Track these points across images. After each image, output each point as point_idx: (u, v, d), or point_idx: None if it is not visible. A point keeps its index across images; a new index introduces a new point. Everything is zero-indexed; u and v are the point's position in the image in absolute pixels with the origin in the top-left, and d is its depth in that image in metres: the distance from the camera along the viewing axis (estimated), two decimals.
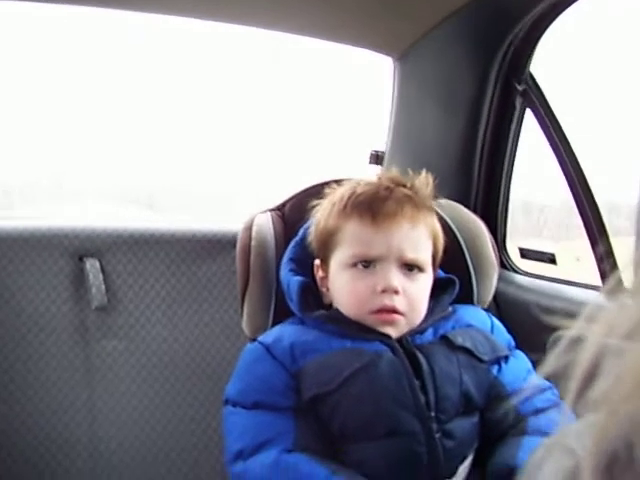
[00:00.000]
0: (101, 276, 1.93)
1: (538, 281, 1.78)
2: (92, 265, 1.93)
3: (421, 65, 2.00)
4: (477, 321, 1.33)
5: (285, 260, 1.37)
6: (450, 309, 1.32)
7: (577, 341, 0.40)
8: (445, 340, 1.23)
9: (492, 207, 1.88)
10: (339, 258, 1.25)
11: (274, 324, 1.37)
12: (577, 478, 0.36)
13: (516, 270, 1.88)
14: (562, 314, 0.42)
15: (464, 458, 1.17)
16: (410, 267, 1.23)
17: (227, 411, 1.22)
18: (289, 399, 1.16)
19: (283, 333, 1.25)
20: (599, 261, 1.53)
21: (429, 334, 1.24)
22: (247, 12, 1.92)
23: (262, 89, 2.88)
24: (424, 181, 1.33)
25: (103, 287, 1.92)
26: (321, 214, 1.32)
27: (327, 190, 1.36)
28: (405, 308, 1.21)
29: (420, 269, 1.25)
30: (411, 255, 1.23)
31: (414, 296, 1.23)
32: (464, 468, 1.17)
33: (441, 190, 1.76)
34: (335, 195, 1.31)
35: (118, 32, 2.41)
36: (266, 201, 1.55)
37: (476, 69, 1.80)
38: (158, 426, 1.98)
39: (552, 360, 0.40)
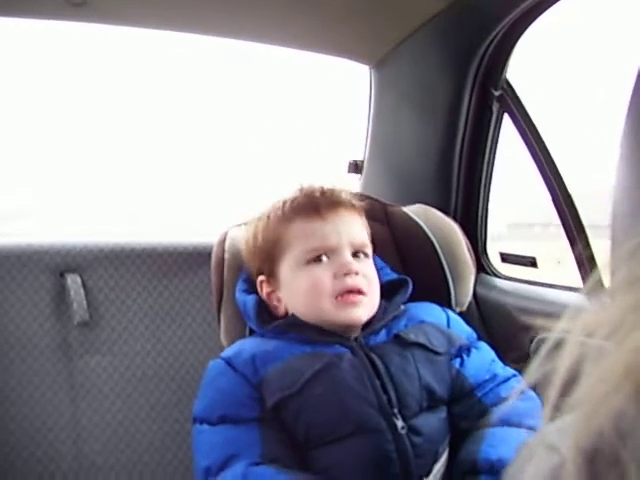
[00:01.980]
0: (82, 291, 1.92)
1: (519, 285, 1.79)
2: (73, 281, 1.92)
3: (398, 72, 2.01)
4: (431, 317, 1.35)
5: (240, 280, 1.40)
6: (402, 308, 1.35)
7: (558, 343, 0.40)
8: (398, 338, 1.25)
9: (472, 212, 1.89)
10: (290, 261, 1.29)
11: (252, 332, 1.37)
12: (561, 476, 0.36)
13: (497, 274, 1.88)
14: (544, 317, 0.43)
15: (437, 455, 1.17)
16: (357, 253, 1.30)
17: (195, 430, 1.21)
18: (253, 410, 1.17)
19: (244, 346, 1.27)
20: (579, 263, 1.54)
21: (383, 335, 1.27)
22: (220, 24, 1.92)
23: (239, 100, 2.88)
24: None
25: (85, 302, 1.91)
26: (253, 231, 1.36)
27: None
28: (366, 287, 1.26)
29: (365, 254, 1.31)
30: (359, 240, 1.30)
31: (370, 276, 1.29)
32: (440, 466, 1.17)
33: (421, 196, 1.78)
34: (264, 212, 1.36)
35: (97, 47, 2.41)
36: (241, 213, 1.56)
37: (453, 75, 1.81)
38: (144, 441, 1.96)
39: (536, 364, 0.40)
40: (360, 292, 1.25)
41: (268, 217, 1.33)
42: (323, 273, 1.25)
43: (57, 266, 1.93)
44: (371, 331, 1.26)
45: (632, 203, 0.45)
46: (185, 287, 2.03)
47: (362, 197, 1.48)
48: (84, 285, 1.93)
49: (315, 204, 1.29)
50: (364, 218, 1.37)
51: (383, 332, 1.27)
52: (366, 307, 1.26)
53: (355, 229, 1.31)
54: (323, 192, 1.32)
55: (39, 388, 1.90)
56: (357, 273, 1.25)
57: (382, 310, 1.30)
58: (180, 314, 2.03)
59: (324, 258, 1.26)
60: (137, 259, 2.00)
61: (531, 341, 1.42)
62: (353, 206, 1.33)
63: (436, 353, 1.25)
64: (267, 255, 1.32)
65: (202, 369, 1.83)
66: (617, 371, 0.35)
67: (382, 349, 1.22)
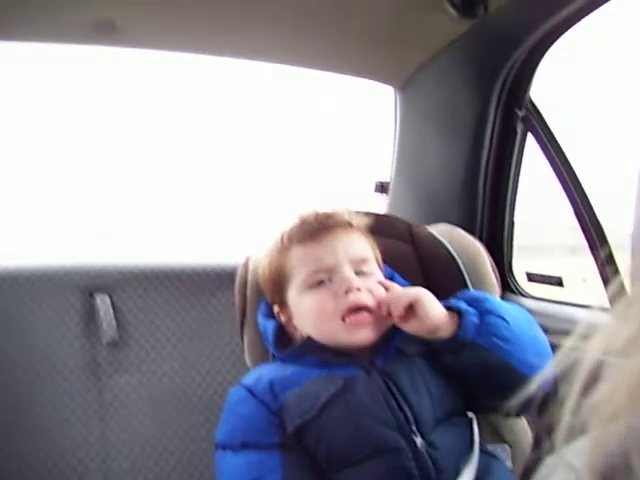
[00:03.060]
0: (112, 312, 1.94)
1: (546, 304, 1.78)
2: (103, 301, 1.94)
3: (422, 94, 2.02)
4: None
5: (262, 303, 1.41)
6: None
7: (575, 359, 0.40)
8: (400, 352, 1.24)
9: (497, 232, 1.89)
10: (295, 289, 1.29)
11: (275, 356, 1.38)
12: None
13: (523, 294, 1.88)
14: (570, 336, 0.43)
15: (458, 469, 1.17)
16: (361, 271, 1.27)
17: (218, 455, 1.22)
18: (274, 436, 1.17)
19: (262, 373, 1.27)
20: (605, 281, 1.53)
21: (391, 351, 1.25)
22: (249, 47, 1.95)
23: (265, 120, 2.91)
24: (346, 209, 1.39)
25: (114, 322, 1.94)
26: (262, 262, 1.37)
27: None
28: (371, 302, 1.23)
29: (370, 272, 1.29)
30: (359, 256, 1.28)
31: (374, 291, 1.25)
32: None
33: (446, 216, 1.78)
34: (274, 238, 1.36)
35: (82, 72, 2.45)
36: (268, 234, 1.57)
37: (477, 96, 1.82)
38: (172, 459, 1.98)
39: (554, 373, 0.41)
40: (365, 308, 1.22)
41: (271, 251, 1.34)
42: (326, 295, 1.24)
43: (87, 286, 1.96)
44: (382, 351, 1.24)
45: None
46: (212, 307, 2.05)
47: (385, 217, 1.48)
48: (113, 305, 1.96)
49: (309, 229, 1.29)
50: (368, 236, 1.36)
51: (392, 348, 1.25)
52: (374, 326, 1.23)
53: (354, 247, 1.29)
54: (317, 217, 1.32)
55: (69, 407, 1.92)
56: (359, 289, 1.23)
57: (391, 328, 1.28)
58: (207, 334, 2.04)
59: (326, 280, 1.25)
60: (165, 280, 2.03)
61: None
62: (350, 225, 1.32)
63: (436, 355, 1.23)
64: (275, 285, 1.33)
65: (229, 388, 1.84)
66: (629, 385, 0.36)
67: (391, 367, 1.21)
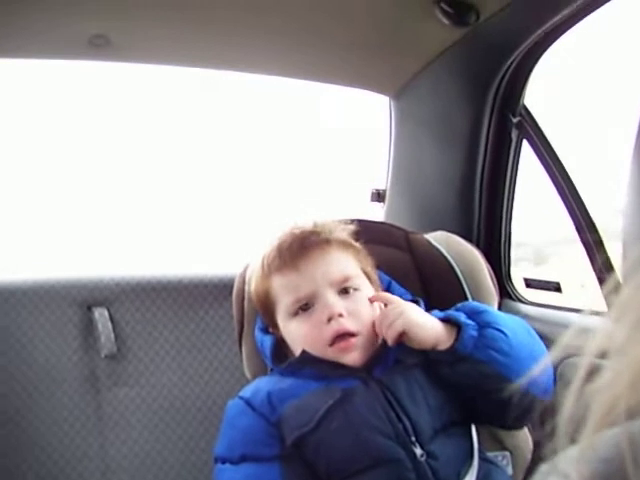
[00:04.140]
0: (110, 325, 1.94)
1: (544, 310, 1.78)
2: (101, 314, 1.94)
3: (417, 102, 2.03)
4: None
5: (258, 317, 1.40)
6: None
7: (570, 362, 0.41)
8: (399, 363, 1.23)
9: (495, 239, 1.90)
10: (281, 314, 1.28)
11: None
12: None
13: (521, 300, 1.88)
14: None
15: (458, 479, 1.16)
16: (345, 289, 1.25)
17: (217, 469, 1.21)
18: (274, 448, 1.16)
19: (260, 385, 1.27)
20: (603, 286, 1.53)
21: (389, 361, 1.24)
22: (243, 59, 1.96)
23: (262, 131, 2.92)
24: (329, 220, 1.36)
25: (112, 335, 1.94)
26: (252, 279, 1.36)
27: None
28: (356, 327, 1.22)
29: (355, 288, 1.26)
30: (339, 277, 1.25)
31: (360, 313, 1.24)
32: None
33: (443, 224, 1.79)
34: (258, 259, 1.34)
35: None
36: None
37: (471, 103, 1.83)
38: (172, 472, 1.97)
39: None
40: (348, 334, 1.21)
41: (257, 271, 1.33)
42: (310, 323, 1.23)
43: (84, 300, 1.96)
44: (380, 362, 1.23)
45: None
46: (211, 319, 2.05)
47: (381, 225, 1.46)
48: (111, 318, 1.96)
49: (285, 257, 1.26)
50: (351, 248, 1.32)
51: (390, 358, 1.24)
52: (360, 348, 1.22)
53: (334, 267, 1.26)
54: (293, 239, 1.28)
55: (67, 420, 1.92)
56: (341, 315, 1.21)
57: None
58: (206, 345, 2.04)
59: (307, 308, 1.24)
60: (163, 292, 2.03)
61: (557, 366, 1.41)
62: (329, 243, 1.28)
63: (434, 366, 1.22)
64: (263, 310, 1.33)
65: (228, 399, 1.84)
66: (631, 370, 0.36)
67: (389, 378, 1.20)
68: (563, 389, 0.41)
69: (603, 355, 0.39)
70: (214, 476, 1.22)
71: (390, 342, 1.20)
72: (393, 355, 1.24)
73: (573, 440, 0.39)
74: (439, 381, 1.21)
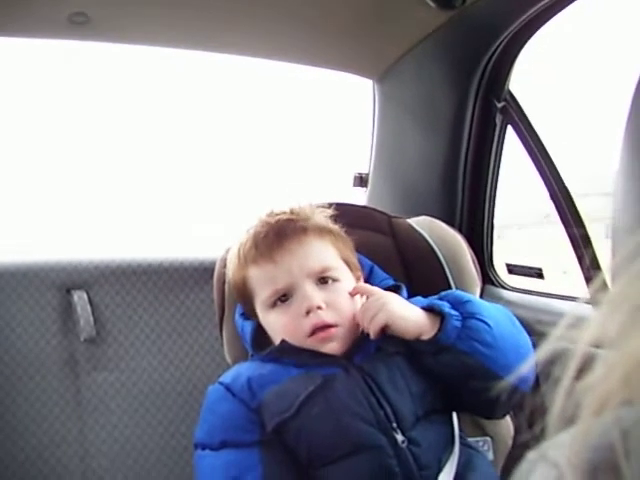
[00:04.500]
0: (89, 308, 1.92)
1: (526, 296, 1.78)
2: (80, 297, 1.92)
3: (401, 86, 2.02)
4: None
5: (238, 303, 1.38)
6: None
7: (564, 353, 0.40)
8: (381, 350, 1.22)
9: (477, 224, 1.89)
10: (259, 306, 1.26)
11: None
12: None
13: (504, 286, 1.88)
14: (551, 327, 0.43)
15: (440, 464, 1.16)
16: (324, 279, 1.24)
17: (197, 455, 1.21)
18: (254, 434, 1.16)
19: (241, 370, 1.26)
20: (585, 272, 1.54)
21: (371, 347, 1.23)
22: (222, 40, 1.93)
23: (243, 114, 2.90)
24: (306, 205, 1.34)
25: (91, 319, 1.92)
26: (229, 266, 1.34)
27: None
28: (335, 319, 1.21)
29: (334, 279, 1.25)
30: (318, 267, 1.23)
31: (339, 305, 1.22)
32: (445, 476, 1.16)
33: (426, 209, 1.78)
34: (235, 247, 1.32)
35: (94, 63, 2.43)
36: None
37: (455, 88, 1.82)
38: (152, 457, 1.96)
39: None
40: (327, 326, 1.20)
41: (235, 258, 1.30)
42: (289, 315, 1.22)
43: (63, 283, 1.94)
44: (362, 349, 1.23)
45: (633, 209, 0.45)
46: (191, 302, 2.04)
47: (363, 209, 1.44)
48: (90, 302, 1.94)
49: (260, 248, 1.24)
50: (329, 236, 1.29)
51: (372, 345, 1.23)
52: (340, 338, 1.21)
53: (311, 258, 1.23)
54: (269, 229, 1.26)
55: (46, 405, 1.90)
56: (320, 307, 1.20)
57: None
58: (187, 329, 2.03)
59: (286, 300, 1.22)
60: (143, 275, 2.01)
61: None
62: (305, 232, 1.25)
63: (416, 355, 1.21)
64: (242, 298, 1.31)
65: (209, 384, 1.84)
66: (625, 365, 0.35)
67: (371, 364, 1.20)
68: (547, 379, 0.40)
69: (594, 346, 0.38)
70: (194, 462, 1.22)
71: (373, 336, 1.19)
72: (375, 343, 1.23)
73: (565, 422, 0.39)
74: (421, 369, 1.21)
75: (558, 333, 0.40)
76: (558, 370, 0.39)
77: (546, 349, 0.41)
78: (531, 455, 0.42)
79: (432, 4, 1.62)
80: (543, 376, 0.41)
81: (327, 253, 1.27)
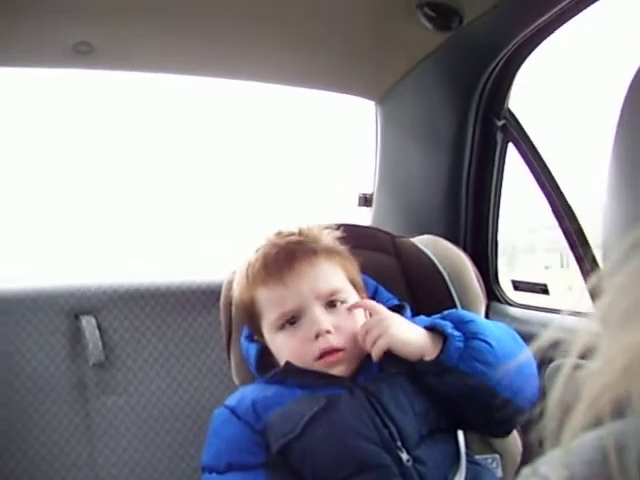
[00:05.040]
0: (97, 333, 1.93)
1: (532, 312, 1.78)
2: (88, 322, 1.94)
3: (402, 107, 2.03)
4: None
5: (244, 326, 1.38)
6: None
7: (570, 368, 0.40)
8: (383, 370, 1.22)
9: (481, 242, 1.90)
10: (266, 327, 1.26)
11: None
12: None
13: (509, 302, 1.88)
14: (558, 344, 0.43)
15: None
16: (332, 302, 1.23)
17: (204, 479, 1.21)
18: (259, 456, 1.16)
19: (245, 393, 1.25)
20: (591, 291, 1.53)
21: (374, 368, 1.23)
22: (225, 65, 1.96)
23: (249, 137, 2.92)
24: (314, 226, 1.34)
25: (100, 344, 1.93)
26: (236, 286, 1.33)
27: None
28: (343, 342, 1.21)
29: (342, 301, 1.24)
30: (326, 290, 1.23)
31: (347, 329, 1.22)
32: None
33: (430, 228, 1.79)
34: (242, 266, 1.32)
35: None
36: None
37: (455, 107, 1.83)
38: (162, 479, 1.97)
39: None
40: (336, 350, 1.20)
41: (242, 277, 1.29)
42: (297, 338, 1.21)
43: (72, 308, 1.95)
44: (365, 369, 1.23)
45: (622, 213, 0.46)
46: (199, 325, 2.05)
47: (367, 229, 1.44)
48: (99, 326, 1.95)
49: (270, 269, 1.23)
50: (338, 257, 1.29)
51: (375, 365, 1.23)
52: (347, 361, 1.21)
53: (321, 280, 1.23)
54: (279, 250, 1.25)
55: (57, 429, 1.91)
56: (329, 331, 1.19)
57: None
58: (195, 352, 2.04)
59: (294, 322, 1.22)
60: (151, 299, 2.02)
61: (545, 369, 1.41)
62: (315, 253, 1.25)
63: (419, 374, 1.20)
64: (249, 319, 1.31)
65: (217, 406, 1.83)
66: (626, 356, 0.35)
67: (374, 385, 1.20)
68: (550, 394, 0.41)
69: (589, 354, 0.39)
70: None
71: (375, 359, 1.19)
72: (378, 363, 1.22)
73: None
74: (424, 388, 1.20)
75: (547, 339, 0.40)
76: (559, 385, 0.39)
77: (537, 348, 0.41)
78: (525, 471, 0.43)
79: (429, 26, 1.64)
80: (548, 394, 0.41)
81: (336, 276, 1.26)
